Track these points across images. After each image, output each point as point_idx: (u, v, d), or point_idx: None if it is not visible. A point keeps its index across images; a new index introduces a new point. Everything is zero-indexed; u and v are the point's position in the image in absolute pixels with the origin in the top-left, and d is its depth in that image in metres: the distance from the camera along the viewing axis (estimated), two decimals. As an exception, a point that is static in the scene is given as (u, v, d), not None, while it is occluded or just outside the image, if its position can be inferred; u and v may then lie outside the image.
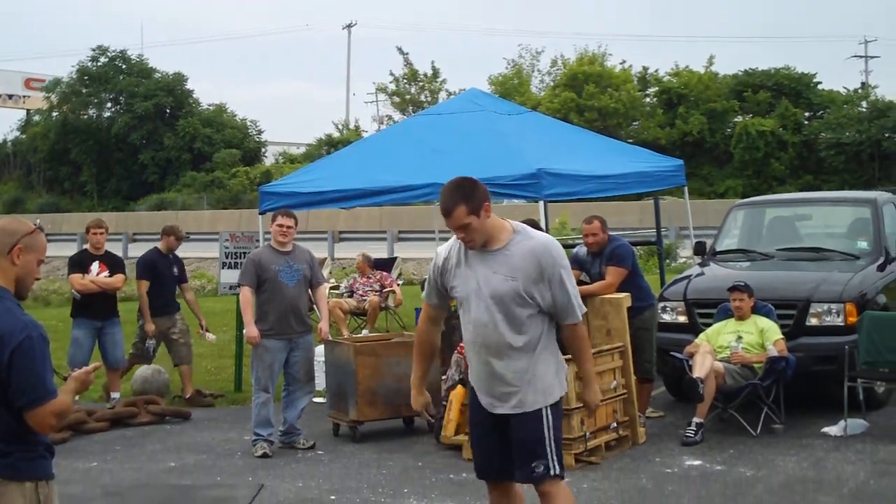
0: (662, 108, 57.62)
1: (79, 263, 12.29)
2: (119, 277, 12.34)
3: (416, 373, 6.15)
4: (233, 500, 8.71)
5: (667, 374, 11.75)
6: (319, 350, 11.78)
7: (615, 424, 9.92)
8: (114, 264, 12.39)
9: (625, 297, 10.41)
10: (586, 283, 10.78)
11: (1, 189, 78.54)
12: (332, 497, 8.76)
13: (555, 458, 5.68)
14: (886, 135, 48.83)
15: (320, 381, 12.13)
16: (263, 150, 77.44)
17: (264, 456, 10.17)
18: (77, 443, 11.06)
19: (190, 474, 9.71)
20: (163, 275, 12.91)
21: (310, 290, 10.68)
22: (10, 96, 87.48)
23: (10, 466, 4.46)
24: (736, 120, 55.47)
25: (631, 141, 47.18)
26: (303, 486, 9.11)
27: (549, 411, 5.71)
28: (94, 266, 12.19)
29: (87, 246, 12.61)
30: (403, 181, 12.67)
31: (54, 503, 4.58)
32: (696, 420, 10.19)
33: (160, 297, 12.84)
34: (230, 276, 13.05)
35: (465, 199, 5.54)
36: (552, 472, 5.66)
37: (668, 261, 27.25)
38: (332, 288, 18.63)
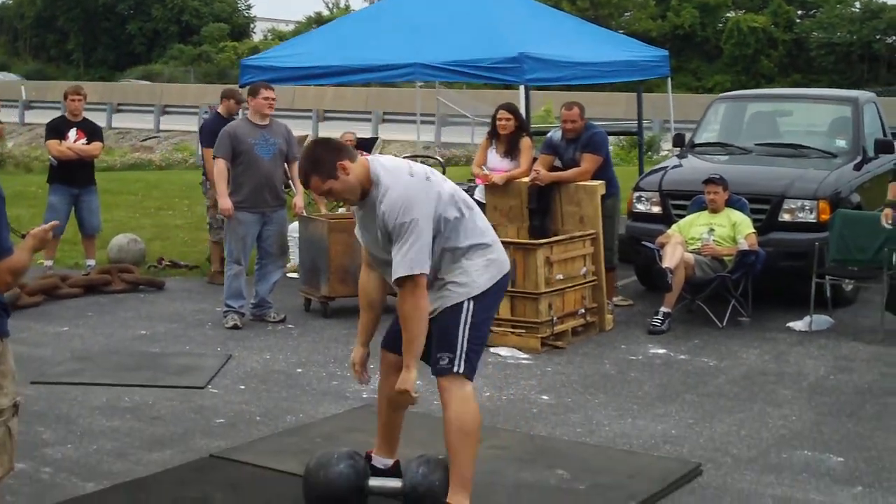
0: (655, 0, 57.13)
1: (56, 129, 12.19)
2: (97, 145, 12.27)
3: (359, 323, 5.90)
4: (200, 368, 8.78)
5: (638, 263, 11.82)
6: (294, 226, 11.80)
7: (583, 310, 10.00)
8: (92, 132, 12.30)
9: (599, 185, 10.42)
10: (559, 169, 10.81)
11: (-14, 54, 77.82)
12: (299, 370, 8.84)
13: (463, 354, 5.43)
14: (878, 36, 48.64)
15: (294, 257, 12.20)
16: (252, 25, 76.82)
17: (234, 327, 10.23)
18: (50, 307, 11.11)
19: (159, 342, 9.78)
20: None
21: (286, 165, 10.67)
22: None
23: (-36, 323, 4.46)
24: (728, 15, 55.11)
25: (622, 32, 46.84)
26: (270, 359, 9.19)
27: (471, 304, 5.46)
28: (72, 133, 12.11)
29: (65, 112, 12.49)
30: (385, 60, 12.59)
31: (9, 361, 4.59)
32: (663, 309, 10.28)
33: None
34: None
35: (314, 168, 5.34)
36: (456, 369, 5.42)
37: (650, 153, 27.32)
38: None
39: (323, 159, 5.34)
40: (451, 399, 5.44)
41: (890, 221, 10.19)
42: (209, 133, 11.67)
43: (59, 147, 12.00)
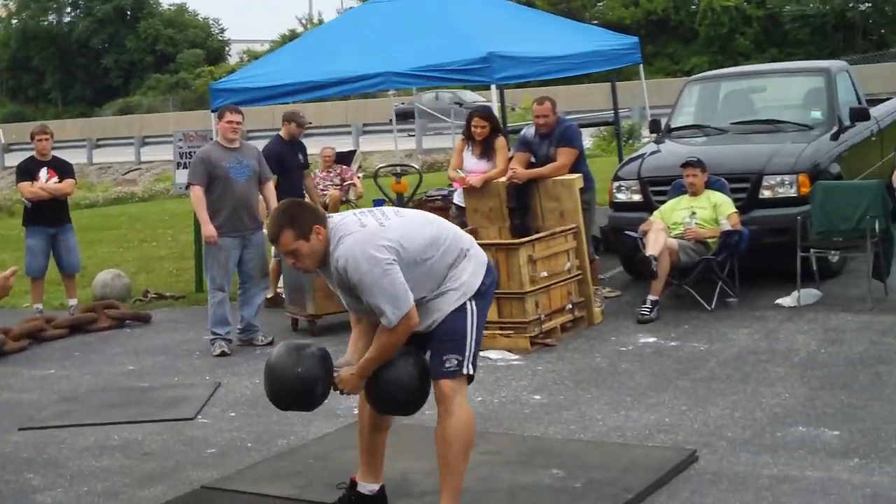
0: (627, -13, 57.15)
1: (27, 171, 12.06)
2: (69, 182, 12.16)
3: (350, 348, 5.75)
4: (190, 399, 8.71)
5: (622, 253, 11.76)
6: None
7: (570, 306, 9.94)
8: (63, 170, 12.17)
9: (577, 178, 10.37)
10: (535, 166, 10.75)
11: (-36, 100, 77.75)
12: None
13: (471, 356, 5.43)
14: (850, 5, 48.62)
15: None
16: (227, 48, 76.83)
17: (222, 354, 10.17)
18: (35, 351, 11.04)
19: (147, 376, 9.70)
20: (290, 164, 12.26)
21: (259, 186, 10.60)
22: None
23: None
24: (700, -4, 55.11)
25: (595, 22, 46.86)
26: (259, 383, 8.97)
27: (473, 304, 5.45)
28: (43, 172, 12.01)
29: (32, 153, 12.37)
30: (356, 71, 12.52)
31: None
32: (650, 297, 10.22)
33: (288, 189, 11.60)
34: (184, 175, 12.74)
35: (290, 224, 5.24)
36: (465, 370, 5.41)
37: (631, 141, 27.27)
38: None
39: (301, 219, 5.27)
40: (454, 409, 5.39)
41: None
42: (272, 159, 11.44)
43: (32, 188, 11.89)
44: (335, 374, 5.41)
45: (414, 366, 5.42)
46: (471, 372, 5.44)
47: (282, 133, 12.40)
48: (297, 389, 5.37)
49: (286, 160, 12.17)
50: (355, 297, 5.34)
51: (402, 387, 5.39)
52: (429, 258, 5.38)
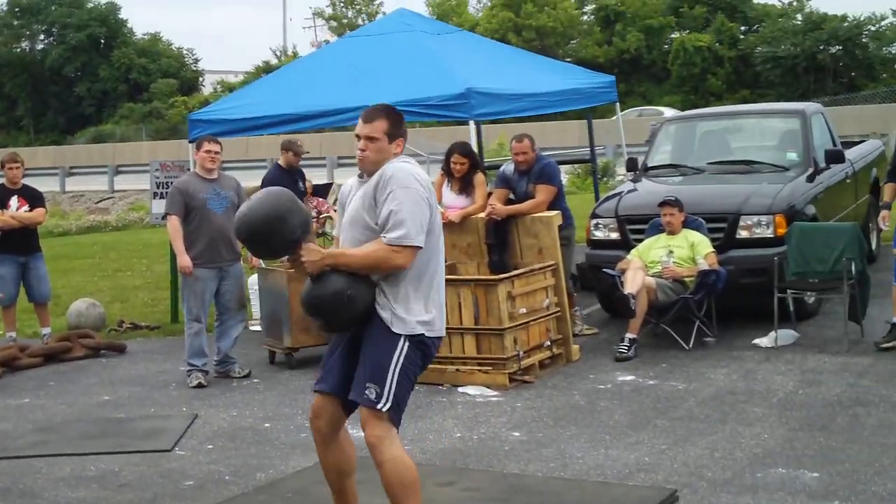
0: (600, 26, 57.65)
1: None
2: (39, 212, 12.07)
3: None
4: (166, 430, 8.66)
5: (600, 291, 11.79)
6: (253, 279, 11.71)
7: (548, 343, 9.95)
8: (33, 198, 12.09)
9: (555, 216, 10.40)
10: (514, 202, 10.79)
11: (-66, 126, 77.39)
12: (267, 425, 8.74)
13: (391, 394, 5.32)
14: (821, 47, 49.05)
15: (256, 309, 12.10)
16: (201, 79, 76.77)
17: (199, 386, 10.13)
18: (9, 380, 10.96)
19: (124, 407, 9.65)
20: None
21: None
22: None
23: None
24: (673, 36, 55.54)
25: (569, 60, 47.20)
26: (237, 415, 9.09)
27: (405, 345, 5.38)
28: (13, 201, 11.92)
29: (2, 181, 12.28)
30: (333, 105, 12.52)
31: None
32: (628, 336, 10.25)
33: None
34: (161, 205, 12.73)
35: (388, 119, 5.42)
36: (381, 405, 5.30)
37: (605, 178, 27.42)
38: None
39: (400, 126, 5.45)
40: (383, 459, 5.32)
41: (887, 224, 10.27)
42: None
43: (2, 217, 11.80)
44: (306, 241, 5.36)
45: (361, 296, 5.34)
46: (386, 408, 5.32)
47: (280, 161, 12.65)
48: (270, 217, 5.31)
49: (286, 188, 12.13)
50: (361, 227, 5.37)
51: (342, 304, 5.32)
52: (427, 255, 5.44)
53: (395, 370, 5.35)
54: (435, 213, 5.46)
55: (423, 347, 5.48)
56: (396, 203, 5.26)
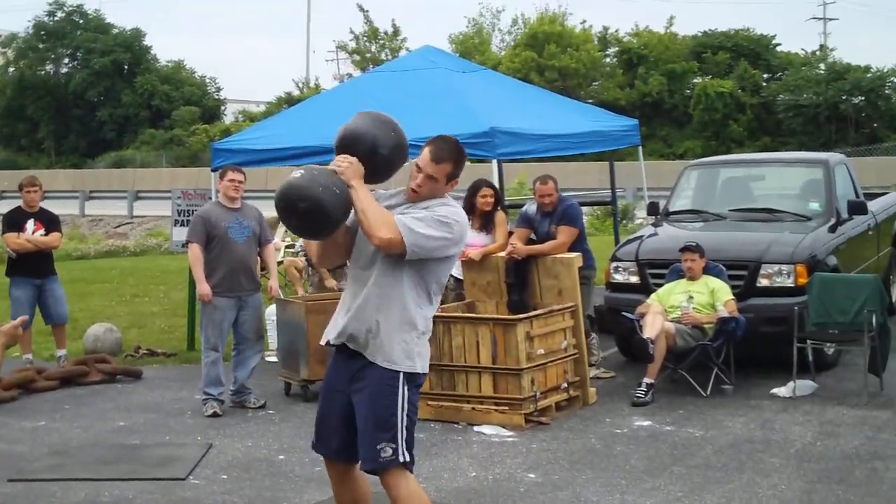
0: (622, 69, 57.69)
1: (13, 222, 11.98)
2: (55, 236, 12.09)
3: None
4: (181, 458, 8.65)
5: (618, 334, 11.77)
6: (271, 309, 11.71)
7: (566, 385, 9.92)
8: (49, 222, 12.12)
9: (576, 257, 10.40)
10: (535, 243, 10.80)
11: (-44, 145, 77.76)
12: (281, 457, 8.72)
13: (404, 442, 5.34)
14: (843, 97, 49.02)
15: (273, 341, 12.10)
16: (223, 107, 76.99)
17: (214, 415, 10.12)
18: (25, 402, 10.97)
19: (139, 433, 9.64)
20: None
21: (258, 249, 10.58)
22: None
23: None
24: (695, 81, 55.58)
25: (591, 101, 47.13)
26: (252, 446, 9.07)
27: (405, 390, 5.38)
28: (30, 224, 11.95)
29: (20, 204, 12.26)
30: (356, 139, 12.52)
31: None
32: (646, 380, 10.22)
33: None
34: (182, 233, 12.82)
35: (455, 163, 5.41)
36: (401, 458, 5.33)
37: (624, 221, 27.37)
38: (287, 247, 18.53)
39: (462, 164, 5.48)
40: (399, 493, 5.32)
41: None
42: None
43: (18, 240, 11.82)
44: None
45: (333, 208, 5.21)
46: (406, 459, 5.34)
47: None
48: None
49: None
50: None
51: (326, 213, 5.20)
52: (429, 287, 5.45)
53: (401, 419, 5.33)
54: (455, 259, 5.53)
55: (417, 384, 5.47)
56: (431, 214, 5.32)
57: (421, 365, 5.43)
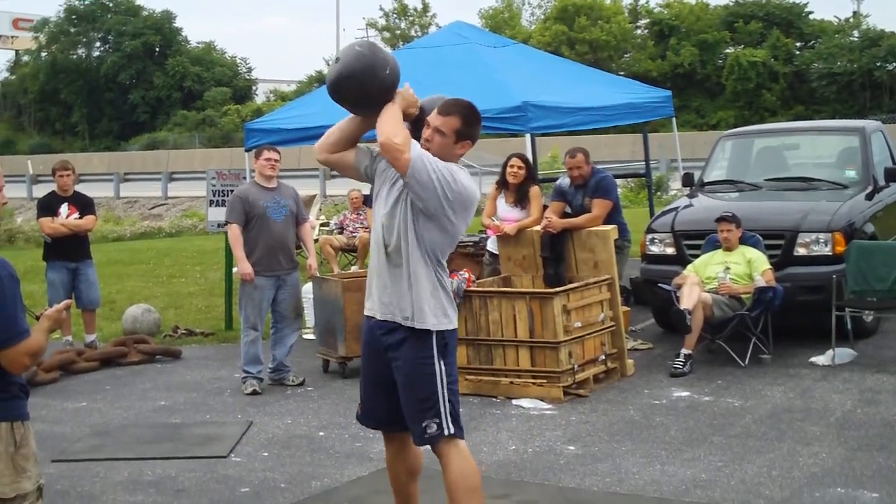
0: (654, 40, 57.49)
1: (48, 206, 12.04)
2: (90, 219, 12.12)
3: None
4: (222, 437, 8.70)
5: (655, 305, 11.75)
6: (308, 287, 11.76)
7: (603, 357, 9.92)
8: (84, 205, 12.16)
9: (612, 230, 10.38)
10: (570, 216, 10.78)
11: (-8, 130, 78.31)
12: (321, 433, 8.76)
13: (448, 415, 5.38)
14: (878, 64, 48.67)
15: (310, 318, 12.14)
16: (254, 87, 77.23)
17: (254, 393, 10.17)
18: (66, 383, 11.06)
19: (179, 412, 9.71)
20: None
21: (295, 227, 10.61)
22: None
23: (-16, 407, 4.43)
24: (727, 51, 55.28)
25: (622, 73, 47.06)
26: (292, 423, 9.12)
27: (441, 365, 5.43)
28: (64, 208, 11.99)
29: (54, 188, 12.34)
30: (390, 116, 12.53)
31: (30, 443, 4.56)
32: (684, 351, 10.20)
33: None
34: (217, 213, 12.86)
35: (463, 119, 5.36)
36: (447, 432, 5.37)
37: (658, 193, 27.28)
38: (322, 225, 18.61)
39: (474, 125, 5.42)
40: (450, 461, 5.38)
41: None
42: None
43: (52, 224, 11.88)
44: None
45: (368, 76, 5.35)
46: (452, 431, 5.37)
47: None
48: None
49: None
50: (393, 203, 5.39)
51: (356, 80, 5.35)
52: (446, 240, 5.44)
53: (443, 392, 5.36)
54: (454, 238, 5.49)
55: (449, 346, 5.47)
56: (443, 164, 5.30)
57: (452, 321, 5.45)
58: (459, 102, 5.43)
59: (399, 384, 5.42)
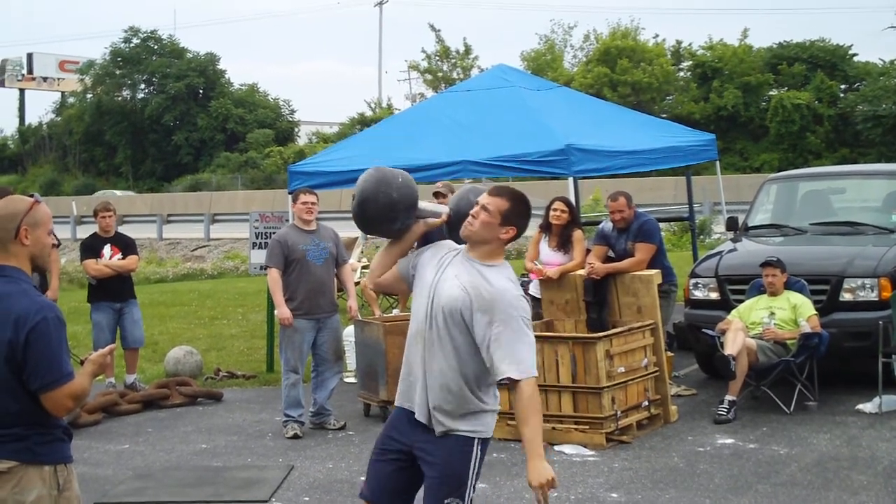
0: (696, 82, 57.36)
1: (91, 248, 12.15)
2: (133, 259, 12.22)
3: None
4: (263, 481, 8.68)
5: (699, 351, 11.66)
6: (349, 330, 11.74)
7: (647, 403, 9.84)
8: (126, 246, 12.27)
9: (655, 274, 10.31)
10: (613, 260, 10.73)
11: (37, 171, 79.20)
12: (362, 478, 8.65)
13: (470, 501, 5.12)
14: (924, 106, 48.35)
15: (351, 362, 12.12)
16: (296, 129, 77.68)
17: (295, 437, 10.15)
18: (109, 425, 11.08)
19: (221, 456, 9.70)
20: None
21: (336, 269, 10.60)
22: (45, 79, 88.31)
23: (28, 450, 4.43)
24: (771, 93, 55.09)
25: (665, 116, 46.94)
26: (333, 468, 9.08)
27: (479, 450, 5.16)
28: (107, 249, 12.09)
29: (96, 230, 12.42)
30: (432, 159, 12.57)
31: (74, 487, 4.56)
32: (728, 398, 10.10)
33: None
34: (260, 255, 12.88)
35: (512, 204, 5.10)
36: None
37: (702, 236, 27.15)
38: (363, 267, 18.59)
39: (522, 215, 5.15)
40: None
41: None
42: None
43: (97, 266, 11.98)
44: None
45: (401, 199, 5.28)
46: None
47: None
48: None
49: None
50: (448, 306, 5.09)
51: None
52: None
53: (472, 478, 5.14)
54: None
55: (487, 441, 5.25)
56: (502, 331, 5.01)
57: (492, 425, 5.23)
58: (510, 189, 5.22)
59: (429, 470, 5.18)
